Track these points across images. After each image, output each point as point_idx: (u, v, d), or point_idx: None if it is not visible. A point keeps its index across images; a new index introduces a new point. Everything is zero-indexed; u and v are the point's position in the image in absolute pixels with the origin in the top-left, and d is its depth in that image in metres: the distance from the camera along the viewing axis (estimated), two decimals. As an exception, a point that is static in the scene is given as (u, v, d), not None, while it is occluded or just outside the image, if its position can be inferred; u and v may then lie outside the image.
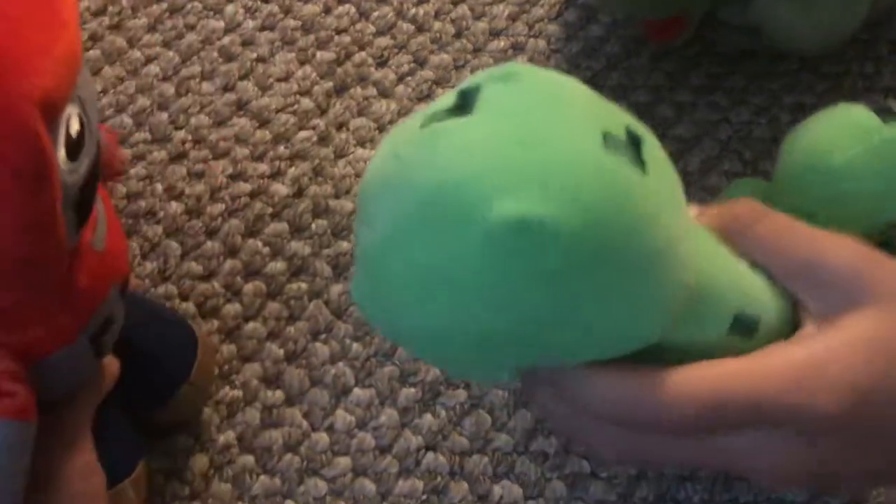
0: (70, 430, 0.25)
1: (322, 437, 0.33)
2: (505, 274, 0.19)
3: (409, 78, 0.39)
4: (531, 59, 0.39)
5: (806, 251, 0.22)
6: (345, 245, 0.35)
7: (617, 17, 0.38)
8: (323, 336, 0.34)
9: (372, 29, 0.40)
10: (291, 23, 0.40)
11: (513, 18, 0.40)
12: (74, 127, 0.22)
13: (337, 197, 0.36)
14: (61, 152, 0.21)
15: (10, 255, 0.21)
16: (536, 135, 0.20)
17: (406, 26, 0.40)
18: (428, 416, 0.33)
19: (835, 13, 0.33)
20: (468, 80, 0.21)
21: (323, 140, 0.37)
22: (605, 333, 0.20)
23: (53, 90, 0.20)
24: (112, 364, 0.27)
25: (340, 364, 0.34)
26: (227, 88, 0.38)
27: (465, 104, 0.20)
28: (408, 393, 0.33)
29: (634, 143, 0.20)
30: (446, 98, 0.21)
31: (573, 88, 0.20)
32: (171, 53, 0.39)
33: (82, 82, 0.22)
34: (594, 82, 0.38)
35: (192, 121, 0.38)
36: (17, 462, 0.22)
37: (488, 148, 0.19)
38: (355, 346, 0.34)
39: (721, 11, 0.36)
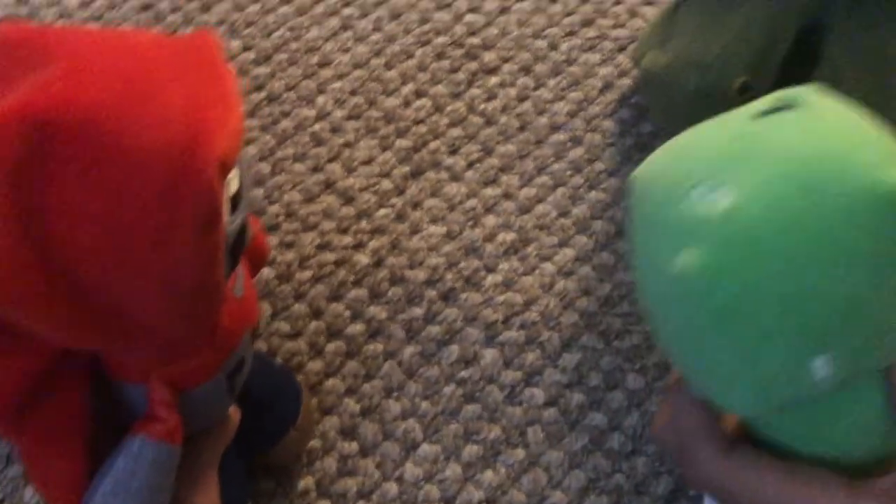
0: (201, 468, 0.28)
1: (392, 487, 0.36)
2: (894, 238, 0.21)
3: (478, 164, 0.43)
4: (588, 152, 0.43)
5: None
6: (417, 311, 0.39)
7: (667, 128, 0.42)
8: (395, 394, 0.37)
9: (446, 121, 0.44)
10: (375, 113, 0.45)
11: (571, 115, 0.44)
12: (234, 186, 0.26)
13: (411, 268, 0.40)
14: (226, 206, 0.25)
15: (185, 288, 0.24)
16: (872, 125, 0.23)
17: (476, 119, 0.44)
18: (489, 473, 0.36)
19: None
20: (781, 94, 0.23)
21: (400, 217, 0.42)
22: None
23: (227, 155, 0.24)
24: (235, 413, 0.31)
25: (410, 420, 0.37)
26: (316, 169, 0.43)
27: (783, 108, 0.23)
28: (471, 450, 0.36)
29: None
30: (761, 103, 0.23)
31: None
32: (267, 137, 0.44)
33: (242, 154, 0.27)
34: (645, 173, 0.42)
35: (285, 197, 0.42)
36: (164, 480, 0.26)
37: (847, 129, 0.22)
38: (424, 404, 0.37)
39: None
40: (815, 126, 0.22)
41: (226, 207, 0.26)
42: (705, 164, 0.22)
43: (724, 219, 0.21)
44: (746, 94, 0.35)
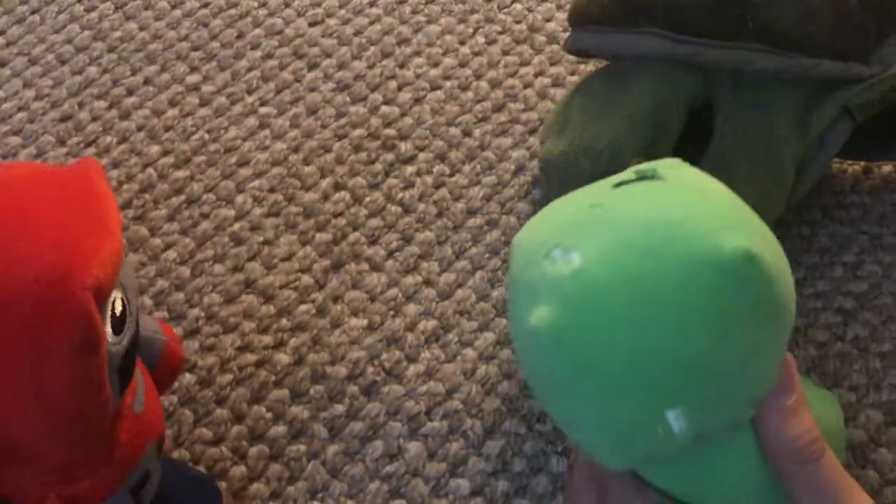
0: None
1: (319, 593, 0.35)
2: (733, 299, 0.22)
3: (398, 253, 0.44)
4: (503, 234, 0.44)
5: None
6: (339, 408, 0.39)
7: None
8: (320, 495, 0.37)
9: (365, 212, 0.45)
10: (294, 209, 0.45)
11: (487, 199, 0.45)
12: (118, 308, 0.27)
13: (333, 364, 0.40)
14: (108, 328, 0.26)
15: (66, 412, 0.25)
16: (725, 195, 0.25)
17: (394, 209, 0.45)
18: (417, 569, 0.35)
19: (754, 202, 0.37)
20: (641, 166, 0.26)
21: (321, 312, 0.42)
22: (762, 380, 0.24)
23: (102, 282, 0.25)
24: None
25: (336, 521, 0.36)
26: (236, 269, 0.43)
27: (644, 178, 0.25)
28: (399, 547, 0.36)
29: None
30: (625, 174, 0.26)
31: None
32: (187, 240, 0.44)
33: (125, 273, 0.27)
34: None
35: (205, 299, 0.42)
36: None
37: (694, 198, 0.24)
38: (349, 503, 0.37)
39: None
40: (660, 195, 0.24)
41: (108, 329, 0.26)
42: (563, 228, 0.24)
43: (572, 279, 0.23)
44: None
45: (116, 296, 0.27)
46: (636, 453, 0.24)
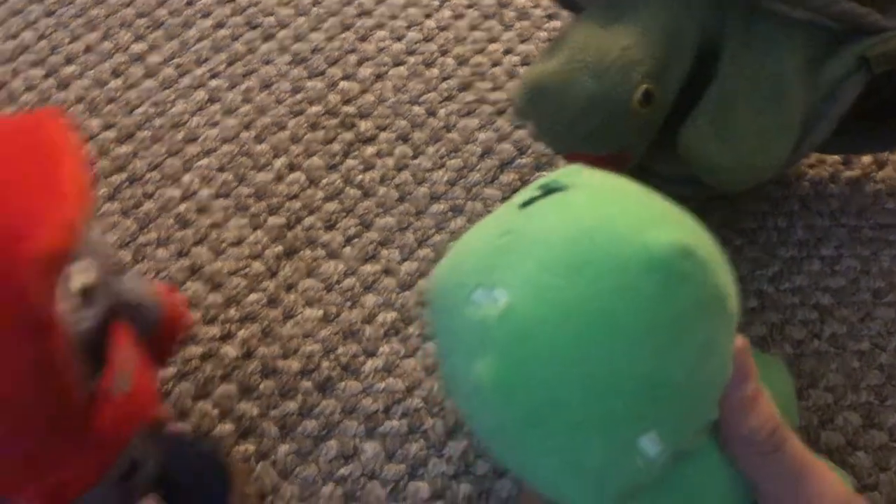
0: None
1: None
2: (677, 300, 0.20)
3: (356, 240, 0.41)
4: (469, 221, 0.41)
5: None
6: (291, 405, 0.36)
7: (558, 152, 0.37)
8: (269, 498, 0.35)
9: (321, 195, 0.42)
10: (245, 190, 0.42)
11: (451, 183, 0.42)
12: (86, 279, 0.24)
13: (284, 357, 0.38)
14: (69, 303, 0.23)
15: (17, 401, 0.22)
16: (637, 189, 0.23)
17: (353, 192, 0.42)
18: (373, 579, 0.33)
19: (756, 149, 0.35)
20: (544, 180, 0.23)
21: (272, 302, 0.39)
22: (723, 376, 0.22)
23: (56, 248, 0.22)
24: None
25: (286, 527, 0.34)
26: (181, 254, 0.40)
27: (550, 192, 0.23)
28: (353, 555, 0.34)
29: None
30: (527, 192, 0.23)
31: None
32: (129, 221, 0.41)
33: (94, 241, 0.25)
34: (529, 241, 0.41)
35: (147, 286, 0.39)
36: None
37: (608, 200, 0.21)
38: (301, 507, 0.34)
39: (655, 161, 0.37)
40: (571, 205, 0.22)
41: (67, 305, 0.23)
42: (479, 265, 0.22)
43: (501, 322, 0.21)
44: (649, 105, 0.33)
45: (84, 266, 0.24)
46: (615, 493, 0.22)
